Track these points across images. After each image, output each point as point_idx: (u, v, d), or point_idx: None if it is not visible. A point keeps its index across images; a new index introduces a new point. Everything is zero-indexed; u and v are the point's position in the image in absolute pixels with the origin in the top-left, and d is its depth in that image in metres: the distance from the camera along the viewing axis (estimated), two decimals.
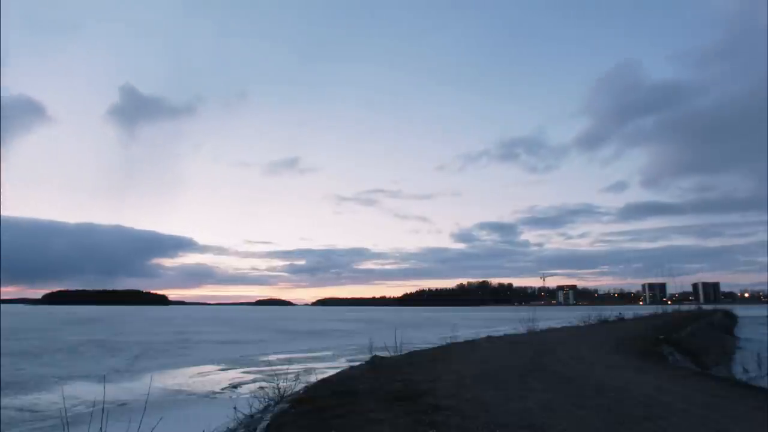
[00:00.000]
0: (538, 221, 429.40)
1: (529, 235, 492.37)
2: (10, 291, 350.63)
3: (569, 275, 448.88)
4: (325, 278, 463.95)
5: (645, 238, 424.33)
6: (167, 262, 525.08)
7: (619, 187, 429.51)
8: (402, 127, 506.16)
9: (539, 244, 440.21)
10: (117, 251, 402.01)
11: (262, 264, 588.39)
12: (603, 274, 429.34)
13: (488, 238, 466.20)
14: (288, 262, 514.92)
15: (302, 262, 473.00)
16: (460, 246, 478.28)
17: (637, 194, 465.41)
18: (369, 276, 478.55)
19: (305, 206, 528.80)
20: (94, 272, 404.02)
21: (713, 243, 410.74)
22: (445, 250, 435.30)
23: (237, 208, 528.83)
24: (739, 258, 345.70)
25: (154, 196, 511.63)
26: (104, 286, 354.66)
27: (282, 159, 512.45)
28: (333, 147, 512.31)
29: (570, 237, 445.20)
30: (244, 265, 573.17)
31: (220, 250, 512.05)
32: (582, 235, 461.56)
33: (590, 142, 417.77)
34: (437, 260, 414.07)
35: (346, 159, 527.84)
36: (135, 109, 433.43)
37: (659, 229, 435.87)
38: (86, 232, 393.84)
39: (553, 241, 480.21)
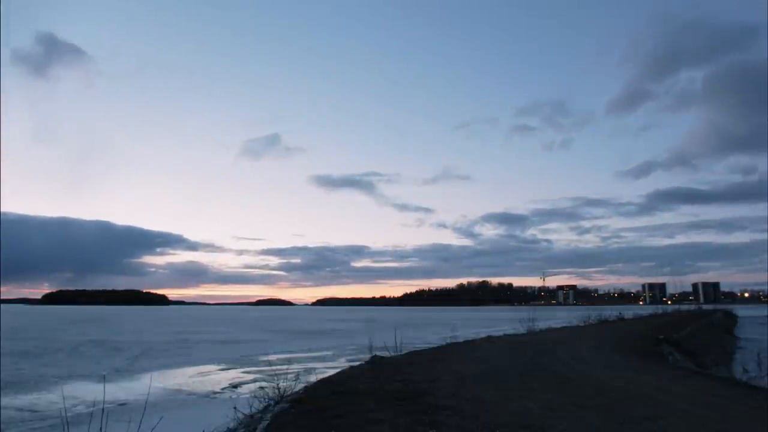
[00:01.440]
0: (550, 214, 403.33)
1: (539, 230, 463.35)
2: None
3: (579, 275, 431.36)
4: (323, 277, 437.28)
5: (662, 233, 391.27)
6: (157, 260, 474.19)
7: (646, 168, 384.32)
8: (400, 95, 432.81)
9: (548, 240, 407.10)
10: (100, 248, 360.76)
11: (256, 262, 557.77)
12: (613, 272, 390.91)
13: (494, 233, 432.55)
14: (283, 260, 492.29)
15: (297, 260, 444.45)
16: (465, 242, 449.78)
17: (665, 179, 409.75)
18: (369, 275, 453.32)
19: (294, 195, 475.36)
20: (78, 270, 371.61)
21: (736, 239, 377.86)
22: (449, 247, 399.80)
23: (219, 198, 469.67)
24: (757, 257, 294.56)
25: (111, 181, 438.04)
26: (90, 286, 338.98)
27: (261, 137, 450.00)
28: (318, 123, 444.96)
29: (584, 231, 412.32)
30: (237, 263, 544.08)
31: (211, 248, 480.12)
32: (597, 229, 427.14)
33: (623, 103, 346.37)
34: (440, 258, 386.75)
35: (335, 137, 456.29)
36: (54, 61, 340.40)
37: (680, 224, 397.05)
38: (62, 227, 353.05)
39: (564, 237, 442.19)
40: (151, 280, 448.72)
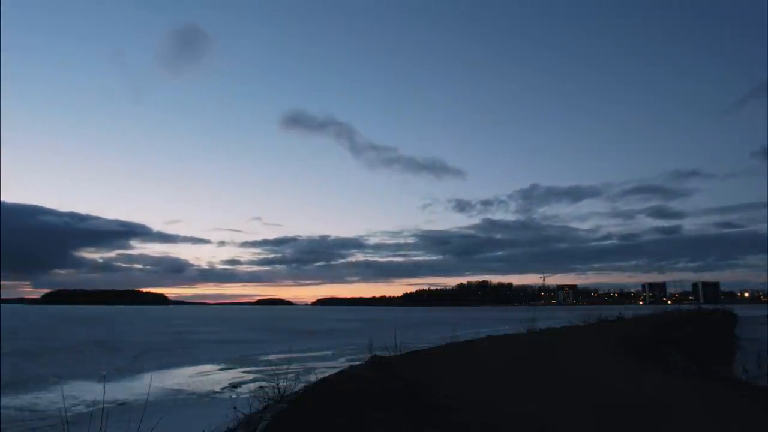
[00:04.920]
0: (592, 190, 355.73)
1: (572, 209, 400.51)
2: None
3: (597, 271, 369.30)
4: (313, 275, 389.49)
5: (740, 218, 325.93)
6: (118, 254, 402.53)
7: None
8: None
9: (575, 229, 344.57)
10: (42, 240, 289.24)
11: (239, 255, 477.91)
12: (635, 269, 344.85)
13: (513, 219, 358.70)
14: (269, 255, 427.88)
15: (285, 255, 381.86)
16: (477, 230, 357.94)
17: None
18: (368, 274, 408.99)
19: (258, 147, 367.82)
20: (34, 266, 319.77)
21: None
22: (468, 237, 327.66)
23: (160, 168, 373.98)
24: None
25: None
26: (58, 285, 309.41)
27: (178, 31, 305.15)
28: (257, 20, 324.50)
29: (624, 215, 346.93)
30: (218, 259, 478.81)
31: (190, 241, 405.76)
32: (645, 212, 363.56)
33: None
34: (455, 253, 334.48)
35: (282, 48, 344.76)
36: None
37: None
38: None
39: (603, 224, 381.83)
40: (128, 278, 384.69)
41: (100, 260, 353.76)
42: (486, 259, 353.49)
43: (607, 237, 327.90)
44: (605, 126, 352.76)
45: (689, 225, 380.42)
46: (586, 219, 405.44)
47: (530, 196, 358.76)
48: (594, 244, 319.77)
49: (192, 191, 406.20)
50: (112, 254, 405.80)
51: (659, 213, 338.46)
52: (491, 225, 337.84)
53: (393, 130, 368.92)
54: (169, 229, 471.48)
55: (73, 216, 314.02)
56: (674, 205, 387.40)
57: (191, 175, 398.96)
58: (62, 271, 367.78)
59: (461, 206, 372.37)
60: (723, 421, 6.25)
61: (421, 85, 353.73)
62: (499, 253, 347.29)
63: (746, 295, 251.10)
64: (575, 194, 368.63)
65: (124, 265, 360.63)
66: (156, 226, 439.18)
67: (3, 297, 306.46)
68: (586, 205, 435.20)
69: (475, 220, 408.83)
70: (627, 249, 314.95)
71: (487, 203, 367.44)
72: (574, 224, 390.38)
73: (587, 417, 6.18)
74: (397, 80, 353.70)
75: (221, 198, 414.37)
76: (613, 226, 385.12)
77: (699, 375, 11.95)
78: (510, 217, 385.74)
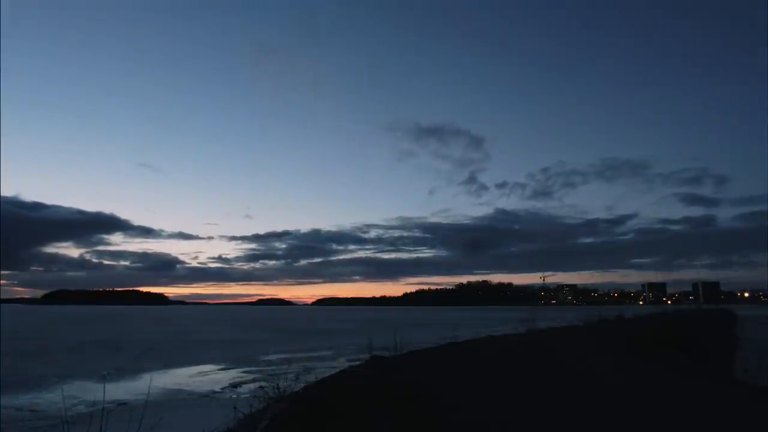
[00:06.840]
0: (618, 166, 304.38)
1: (594, 190, 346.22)
2: None
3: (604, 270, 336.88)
4: (312, 272, 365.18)
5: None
6: (94, 249, 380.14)
7: None
8: None
9: (619, 221, 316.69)
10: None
11: (229, 251, 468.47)
12: (644, 266, 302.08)
13: (525, 207, 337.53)
14: (259, 252, 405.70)
15: (280, 251, 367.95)
16: (499, 224, 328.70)
17: None
18: (369, 273, 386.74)
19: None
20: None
21: None
22: (478, 231, 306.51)
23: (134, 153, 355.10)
24: None
25: None
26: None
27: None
28: None
29: (650, 199, 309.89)
30: (205, 254, 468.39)
31: (166, 235, 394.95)
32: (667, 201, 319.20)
33: None
34: (463, 248, 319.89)
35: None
36: None
37: None
38: None
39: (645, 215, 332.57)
40: (117, 276, 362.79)
41: (77, 256, 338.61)
42: (495, 256, 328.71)
43: (626, 232, 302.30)
44: (650, 98, 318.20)
45: (724, 214, 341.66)
46: (611, 207, 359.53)
47: (553, 175, 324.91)
48: (607, 240, 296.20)
49: (172, 182, 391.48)
50: (91, 249, 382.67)
51: (695, 199, 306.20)
52: (504, 215, 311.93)
53: (398, 94, 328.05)
54: (153, 224, 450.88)
55: (37, 206, 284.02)
56: (715, 190, 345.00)
57: (170, 165, 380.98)
58: (41, 268, 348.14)
59: (473, 190, 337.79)
60: (723, 419, 6.26)
61: (432, 45, 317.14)
62: (512, 249, 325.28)
63: (746, 295, 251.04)
64: (605, 175, 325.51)
65: (106, 262, 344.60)
66: (136, 219, 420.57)
67: (4, 297, 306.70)
68: (615, 187, 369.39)
69: (488, 209, 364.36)
70: (642, 246, 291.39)
71: (502, 186, 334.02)
72: (595, 213, 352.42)
73: (587, 415, 6.18)
74: (403, 35, 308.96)
75: (204, 188, 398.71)
76: (638, 214, 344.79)
77: (699, 375, 11.95)
78: (526, 204, 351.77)
